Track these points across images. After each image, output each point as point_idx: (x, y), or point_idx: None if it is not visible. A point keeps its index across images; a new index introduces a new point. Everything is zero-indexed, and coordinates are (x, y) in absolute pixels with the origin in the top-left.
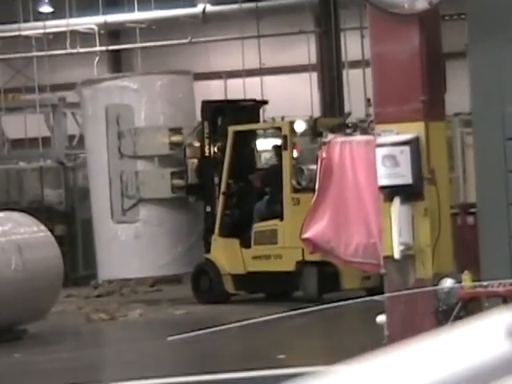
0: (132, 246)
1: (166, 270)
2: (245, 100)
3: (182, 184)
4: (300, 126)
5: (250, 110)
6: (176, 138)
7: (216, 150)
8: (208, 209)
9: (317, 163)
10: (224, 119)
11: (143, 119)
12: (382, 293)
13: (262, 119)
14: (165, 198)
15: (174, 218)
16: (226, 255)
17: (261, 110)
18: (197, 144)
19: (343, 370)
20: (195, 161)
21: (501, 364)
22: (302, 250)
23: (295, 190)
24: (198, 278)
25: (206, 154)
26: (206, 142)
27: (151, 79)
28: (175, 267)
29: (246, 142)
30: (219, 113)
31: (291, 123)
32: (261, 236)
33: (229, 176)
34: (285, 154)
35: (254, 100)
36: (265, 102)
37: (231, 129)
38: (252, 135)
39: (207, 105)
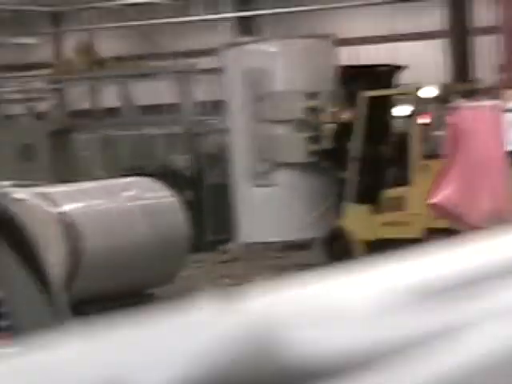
0: (266, 209)
1: (300, 234)
2: (381, 65)
3: (316, 149)
4: (429, 92)
5: (386, 75)
6: (312, 103)
7: (350, 115)
8: (341, 175)
9: (446, 129)
10: (360, 84)
11: (281, 83)
12: None
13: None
14: (299, 162)
15: (309, 182)
16: (358, 222)
17: (398, 76)
18: (332, 109)
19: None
20: (330, 126)
21: None
22: (429, 217)
23: (423, 157)
24: (330, 244)
25: (341, 120)
26: (342, 107)
27: (290, 43)
28: (308, 232)
29: (377, 108)
30: (355, 78)
31: (419, 89)
32: (390, 202)
33: (360, 142)
34: (413, 120)
35: (391, 65)
36: (402, 68)
37: (363, 94)
38: (384, 101)
39: (343, 70)
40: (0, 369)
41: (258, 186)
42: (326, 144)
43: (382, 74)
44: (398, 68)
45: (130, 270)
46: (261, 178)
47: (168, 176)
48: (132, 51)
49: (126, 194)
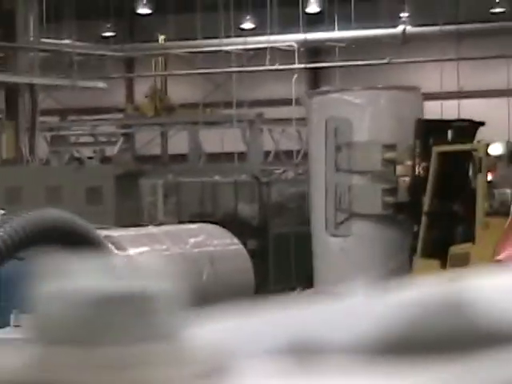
0: (342, 259)
1: None
2: (459, 120)
3: (392, 201)
4: (496, 149)
5: (463, 130)
6: (389, 155)
7: (424, 169)
8: (415, 228)
9: None
10: (436, 138)
11: (362, 134)
12: None
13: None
14: (375, 214)
15: (385, 235)
16: (426, 276)
17: (476, 132)
18: (409, 162)
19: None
20: (407, 179)
21: None
22: None
23: (487, 214)
24: None
25: (417, 173)
26: (417, 160)
27: (374, 94)
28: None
29: (449, 163)
30: (432, 132)
31: (486, 145)
32: (456, 258)
33: (432, 196)
34: (479, 177)
35: (469, 120)
36: (481, 124)
37: (435, 149)
38: (456, 157)
39: (420, 123)
40: None
41: (334, 235)
42: (402, 197)
43: (459, 130)
44: (476, 124)
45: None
46: (337, 228)
47: (234, 224)
48: (202, 99)
49: (192, 239)
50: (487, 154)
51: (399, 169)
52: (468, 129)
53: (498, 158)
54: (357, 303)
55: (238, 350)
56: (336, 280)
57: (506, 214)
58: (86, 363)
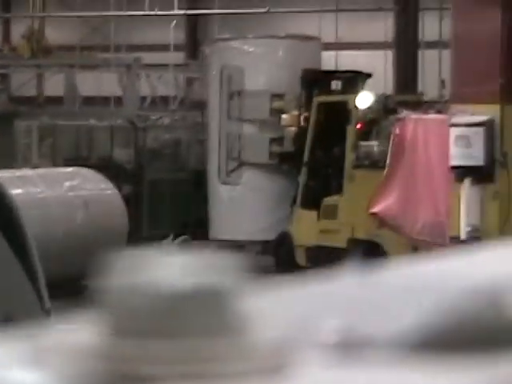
0: (232, 208)
1: (263, 235)
2: (345, 71)
3: (278, 151)
4: (364, 101)
5: (350, 81)
6: (277, 105)
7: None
8: (299, 178)
9: (388, 139)
10: (321, 89)
11: (254, 83)
12: None
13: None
14: (263, 163)
15: (274, 184)
16: (303, 227)
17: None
18: (295, 112)
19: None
20: (293, 129)
21: None
22: (352, 227)
23: (354, 166)
24: (276, 248)
25: (302, 123)
26: (302, 111)
27: (268, 43)
28: (272, 234)
29: (328, 114)
30: (317, 82)
31: (355, 97)
32: (327, 210)
33: (311, 147)
34: (348, 129)
35: (355, 72)
36: (368, 75)
37: (315, 99)
38: (334, 108)
39: (306, 73)
40: None
41: (225, 183)
42: (287, 147)
43: (346, 81)
44: (361, 75)
45: (66, 259)
46: (229, 175)
47: (109, 169)
48: (80, 42)
49: (67, 183)
50: (355, 106)
51: (284, 118)
52: (354, 80)
53: (369, 109)
54: (392, 288)
55: (296, 341)
56: (226, 227)
57: (372, 167)
58: (160, 356)
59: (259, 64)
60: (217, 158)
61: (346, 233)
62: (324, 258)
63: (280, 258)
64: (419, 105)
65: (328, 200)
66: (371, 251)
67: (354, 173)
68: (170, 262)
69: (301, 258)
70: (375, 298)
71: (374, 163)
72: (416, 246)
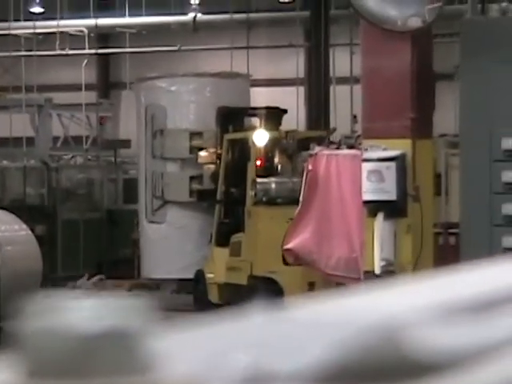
0: (160, 246)
1: (186, 273)
2: (257, 108)
3: (198, 188)
4: (261, 138)
5: (264, 117)
6: (196, 142)
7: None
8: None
9: (301, 175)
10: (235, 126)
11: (173, 121)
12: None
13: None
14: (184, 201)
15: (197, 221)
16: (216, 264)
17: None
18: (212, 150)
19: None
20: (211, 166)
21: None
22: (251, 264)
23: (253, 203)
24: (195, 286)
25: (216, 161)
26: (218, 148)
27: (186, 81)
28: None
29: (238, 150)
30: (230, 119)
31: (256, 134)
32: (233, 247)
33: (223, 184)
34: (248, 165)
35: (267, 107)
36: (283, 111)
37: (225, 136)
38: (241, 144)
39: (220, 110)
40: None
41: (151, 222)
42: (206, 184)
43: (262, 117)
44: (276, 111)
45: None
46: (154, 214)
47: (22, 209)
48: None
49: None
50: (254, 142)
51: (201, 156)
52: (269, 116)
53: (268, 146)
54: (297, 324)
55: (205, 378)
56: (155, 266)
57: (269, 203)
58: None
59: (183, 102)
60: (143, 196)
61: (247, 270)
62: (233, 295)
63: (196, 295)
64: (323, 140)
65: (234, 237)
66: (269, 288)
67: (253, 209)
68: (81, 305)
69: (213, 295)
70: (281, 335)
71: (271, 200)
72: (312, 283)
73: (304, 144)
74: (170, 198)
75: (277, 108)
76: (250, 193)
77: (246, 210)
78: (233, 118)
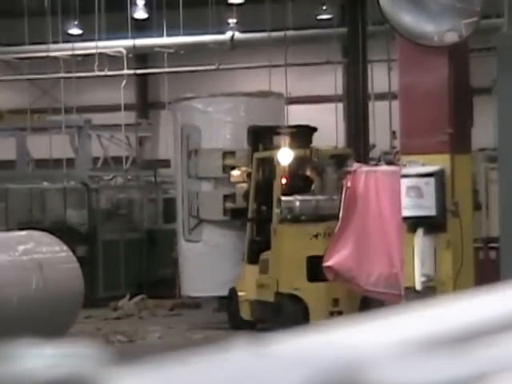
0: (197, 264)
1: (223, 290)
2: (288, 126)
3: (232, 207)
4: (285, 156)
5: (295, 136)
6: (229, 161)
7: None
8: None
9: (341, 192)
10: (265, 144)
11: (209, 141)
12: None
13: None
14: (218, 219)
15: (231, 239)
16: (247, 282)
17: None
18: (243, 169)
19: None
20: (244, 185)
21: None
22: (277, 281)
23: (279, 221)
24: (228, 304)
25: (248, 180)
26: (250, 167)
27: (220, 101)
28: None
29: (265, 169)
30: (260, 137)
31: (277, 153)
32: (263, 265)
33: (253, 202)
34: (274, 184)
35: (298, 126)
36: (313, 129)
37: (255, 155)
38: (268, 163)
39: (250, 129)
40: None
41: (188, 240)
42: (239, 202)
43: (291, 136)
44: (310, 129)
45: (22, 324)
46: (190, 233)
47: (63, 231)
48: (30, 105)
49: (21, 247)
50: (278, 160)
51: (233, 175)
52: (300, 134)
53: (293, 164)
54: (271, 362)
55: None
56: (193, 285)
57: (293, 221)
58: None
59: (217, 122)
60: (181, 215)
61: (274, 287)
62: (262, 312)
63: (230, 313)
64: (348, 157)
65: (263, 255)
66: (294, 305)
67: (278, 227)
68: (36, 353)
69: (245, 312)
70: (254, 373)
71: (296, 217)
72: (337, 299)
73: (334, 161)
74: (204, 216)
75: (306, 126)
76: (275, 211)
77: (271, 228)
78: (262, 136)
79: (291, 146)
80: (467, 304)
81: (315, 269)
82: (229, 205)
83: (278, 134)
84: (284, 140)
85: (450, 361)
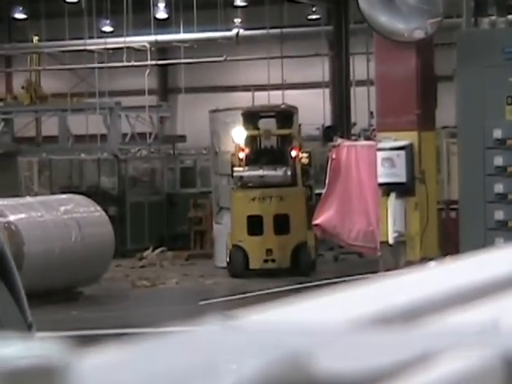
0: (219, 242)
1: None
2: (271, 110)
3: None
4: (238, 135)
5: (279, 117)
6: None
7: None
8: None
9: (327, 163)
10: (255, 125)
11: (226, 145)
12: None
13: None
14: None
15: None
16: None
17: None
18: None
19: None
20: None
21: None
22: (231, 235)
23: (232, 188)
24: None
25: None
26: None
27: (235, 114)
28: None
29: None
30: (251, 120)
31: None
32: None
33: None
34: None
35: (280, 109)
36: (292, 111)
37: (245, 135)
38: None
39: (243, 113)
40: None
41: (216, 223)
42: None
43: (277, 116)
44: (284, 111)
45: (63, 271)
46: (217, 216)
47: (97, 194)
48: (70, 90)
49: (62, 208)
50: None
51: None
52: (280, 116)
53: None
54: (226, 344)
55: None
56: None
57: (240, 188)
58: None
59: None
60: (214, 203)
61: (230, 240)
62: (230, 258)
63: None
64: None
65: None
66: (239, 254)
67: (231, 193)
68: (5, 343)
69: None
70: (209, 356)
71: (243, 185)
72: (271, 249)
73: (280, 139)
74: (222, 205)
75: (285, 109)
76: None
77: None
78: (251, 119)
79: (280, 127)
80: (417, 278)
81: (253, 225)
82: None
83: (262, 117)
84: (267, 121)
85: (397, 340)
